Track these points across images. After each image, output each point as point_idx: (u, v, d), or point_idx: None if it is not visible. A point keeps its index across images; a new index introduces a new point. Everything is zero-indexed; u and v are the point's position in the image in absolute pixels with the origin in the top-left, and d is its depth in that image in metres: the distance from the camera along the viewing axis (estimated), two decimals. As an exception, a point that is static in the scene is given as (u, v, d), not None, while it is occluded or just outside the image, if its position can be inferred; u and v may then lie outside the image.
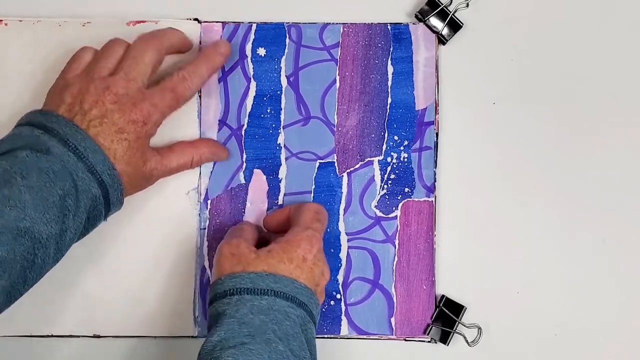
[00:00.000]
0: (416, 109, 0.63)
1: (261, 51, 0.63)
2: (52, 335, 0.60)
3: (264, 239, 0.59)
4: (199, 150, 0.60)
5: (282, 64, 0.63)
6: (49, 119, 0.51)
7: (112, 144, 0.52)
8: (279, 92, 0.63)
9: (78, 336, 0.61)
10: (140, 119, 0.53)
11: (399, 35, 0.63)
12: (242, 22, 0.63)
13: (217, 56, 0.59)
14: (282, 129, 0.63)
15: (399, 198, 0.62)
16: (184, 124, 0.62)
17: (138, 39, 0.57)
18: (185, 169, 0.59)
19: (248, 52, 0.63)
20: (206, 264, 0.62)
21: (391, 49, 0.63)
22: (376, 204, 0.62)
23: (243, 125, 0.63)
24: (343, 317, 0.62)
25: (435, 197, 0.63)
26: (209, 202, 0.62)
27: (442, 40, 0.63)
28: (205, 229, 0.62)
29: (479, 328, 0.61)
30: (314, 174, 0.63)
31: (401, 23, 0.63)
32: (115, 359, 0.62)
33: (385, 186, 0.62)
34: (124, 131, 0.52)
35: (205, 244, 0.62)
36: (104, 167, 0.51)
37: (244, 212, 0.62)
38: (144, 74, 0.55)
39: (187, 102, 0.57)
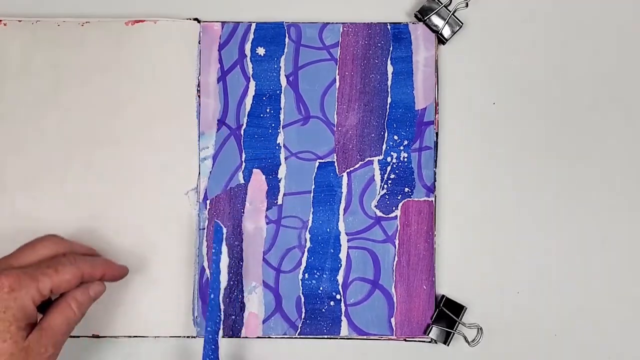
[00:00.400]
0: (416, 108, 0.63)
1: (260, 51, 0.63)
2: (51, 336, 0.60)
3: None
4: (72, 296, 0.52)
5: (282, 64, 0.63)
6: None
7: None
8: (278, 92, 0.63)
9: (78, 336, 0.60)
10: (7, 283, 0.48)
11: (398, 35, 0.63)
12: (242, 22, 0.63)
13: (115, 270, 0.56)
14: (281, 128, 0.63)
15: (399, 198, 0.62)
16: (182, 124, 0.62)
17: (70, 256, 0.53)
18: (77, 321, 0.53)
19: (247, 51, 0.63)
20: (205, 264, 0.62)
21: (391, 48, 0.63)
22: (376, 203, 0.62)
23: (242, 124, 0.63)
24: (343, 318, 0.61)
25: (435, 196, 0.62)
26: (208, 202, 0.62)
27: (441, 40, 0.63)
28: (204, 229, 0.62)
29: (480, 328, 0.61)
30: (314, 174, 0.63)
31: (401, 23, 0.63)
32: (115, 359, 0.62)
33: (385, 186, 0.62)
34: None
35: (205, 244, 0.62)
36: None
37: (243, 212, 0.62)
38: (44, 285, 0.50)
39: (69, 276, 0.51)
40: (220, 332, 0.58)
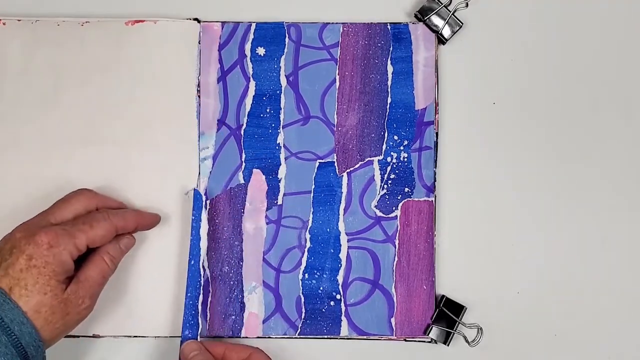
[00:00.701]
0: (416, 108, 0.63)
1: (260, 51, 0.63)
2: (51, 336, 0.60)
3: None
4: (105, 249, 0.56)
5: (282, 64, 0.63)
6: None
7: (20, 274, 0.50)
8: (278, 92, 0.63)
9: (78, 336, 0.60)
10: (46, 240, 0.50)
11: (398, 35, 0.63)
12: (242, 22, 0.63)
13: (147, 219, 0.59)
14: (281, 128, 0.63)
15: (399, 198, 0.62)
16: (182, 124, 0.62)
17: (100, 213, 0.55)
18: (110, 273, 0.56)
19: (247, 51, 0.63)
20: (205, 264, 0.62)
21: (391, 48, 0.63)
22: (376, 203, 0.62)
23: (242, 124, 0.63)
24: (343, 318, 0.61)
25: (435, 196, 0.62)
26: (208, 202, 0.62)
27: (441, 40, 0.63)
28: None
29: (480, 328, 0.61)
30: (314, 174, 0.63)
31: (401, 23, 0.63)
32: (115, 359, 0.61)
33: (385, 186, 0.62)
34: (31, 257, 0.50)
35: (205, 244, 0.62)
36: (30, 339, 0.49)
37: (243, 212, 0.62)
38: (80, 242, 0.53)
39: (103, 232, 0.54)
40: (200, 298, 0.59)
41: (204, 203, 0.60)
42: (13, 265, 0.50)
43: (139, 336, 0.61)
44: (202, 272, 0.60)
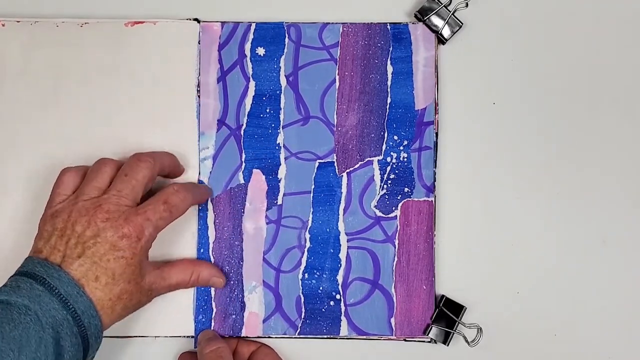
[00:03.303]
0: (416, 108, 0.63)
1: (260, 51, 0.63)
2: (51, 336, 0.60)
3: None
4: (199, 268, 0.59)
5: (282, 64, 0.63)
6: (49, 272, 0.50)
7: (108, 264, 0.51)
8: (278, 92, 0.63)
9: (78, 336, 0.61)
10: (134, 233, 0.52)
11: (398, 35, 0.63)
12: (241, 22, 0.63)
13: (206, 192, 0.61)
14: (281, 128, 0.63)
15: (398, 198, 0.62)
16: (182, 124, 0.62)
17: (131, 158, 0.56)
18: (182, 287, 0.59)
19: (247, 51, 0.63)
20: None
21: (391, 48, 0.63)
22: (376, 203, 0.62)
23: (242, 125, 0.63)
24: (343, 318, 0.61)
25: (435, 196, 0.62)
26: (208, 202, 0.62)
27: (441, 40, 0.63)
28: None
29: (479, 328, 0.61)
30: (314, 174, 0.63)
31: (401, 23, 0.63)
32: (115, 359, 0.62)
33: (385, 186, 0.62)
34: (119, 248, 0.51)
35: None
36: (95, 331, 0.51)
37: (244, 212, 0.62)
38: (136, 192, 0.54)
39: (181, 213, 0.56)
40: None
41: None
42: (99, 254, 0.51)
43: (139, 336, 0.61)
44: (211, 260, 0.61)
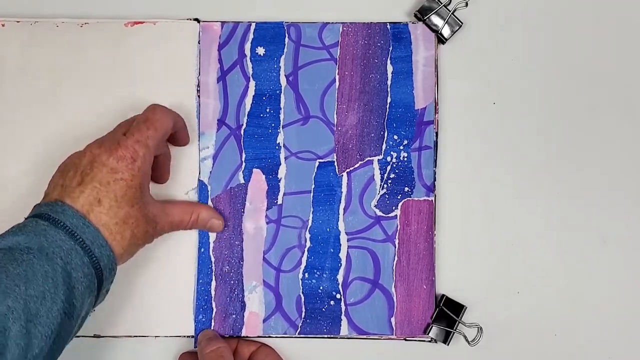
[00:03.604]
0: (416, 108, 0.63)
1: (260, 50, 0.63)
2: (52, 336, 0.61)
3: None
4: (198, 209, 0.60)
5: (282, 64, 0.63)
6: (52, 208, 0.50)
7: (109, 186, 0.51)
8: (278, 92, 0.63)
9: (78, 336, 0.61)
10: (128, 155, 0.52)
11: (398, 35, 0.63)
12: (241, 22, 0.63)
13: (180, 117, 0.59)
14: (281, 128, 0.63)
15: (398, 197, 0.62)
16: (183, 124, 0.62)
17: (159, 107, 0.57)
18: (182, 228, 0.59)
19: (247, 51, 0.63)
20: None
21: (390, 48, 0.63)
22: (376, 203, 0.62)
23: (242, 124, 0.63)
24: (343, 317, 0.62)
25: (435, 196, 0.62)
26: (208, 202, 0.62)
27: (441, 39, 0.63)
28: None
29: (480, 328, 0.61)
30: (314, 174, 0.63)
31: (400, 22, 0.63)
32: (115, 359, 0.62)
33: (385, 185, 0.62)
34: (117, 170, 0.51)
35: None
36: (108, 262, 0.51)
37: (244, 212, 0.62)
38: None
39: (167, 131, 0.55)
40: (213, 283, 0.61)
41: (209, 193, 0.62)
42: (99, 177, 0.51)
43: (139, 336, 0.61)
44: (211, 259, 0.61)
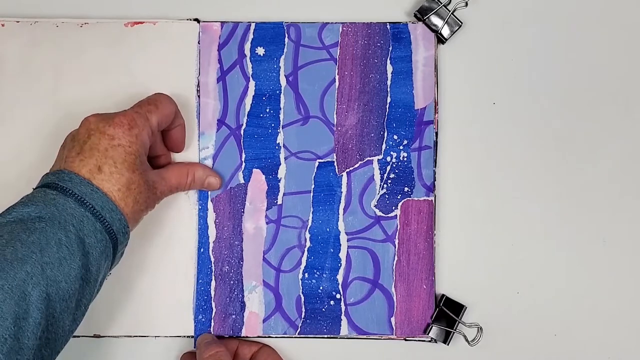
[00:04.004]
0: (415, 108, 0.63)
1: (260, 50, 0.63)
2: (52, 336, 0.61)
3: None
4: (194, 168, 0.60)
5: (281, 64, 0.63)
6: (60, 176, 0.51)
7: (107, 152, 0.51)
8: (278, 92, 0.63)
9: (78, 336, 0.61)
10: (125, 121, 0.52)
11: (398, 35, 0.63)
12: (241, 22, 0.63)
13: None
14: (281, 128, 0.63)
15: (398, 197, 0.62)
16: (182, 124, 0.62)
17: (161, 94, 0.57)
18: (181, 189, 0.59)
19: (247, 51, 0.63)
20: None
21: (390, 48, 0.63)
22: (376, 203, 0.62)
23: (242, 124, 0.63)
24: (343, 317, 0.61)
25: (435, 196, 0.62)
26: (208, 202, 0.62)
27: (441, 39, 0.63)
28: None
29: (480, 328, 0.61)
30: (314, 174, 0.63)
31: (400, 22, 0.63)
32: (115, 359, 0.62)
33: (385, 185, 0.62)
34: (113, 137, 0.51)
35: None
36: (120, 226, 0.51)
37: (243, 212, 0.62)
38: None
39: (169, 112, 0.56)
40: (213, 284, 0.61)
41: (209, 192, 0.62)
42: (97, 145, 0.51)
43: (140, 336, 0.61)
44: (211, 260, 0.61)
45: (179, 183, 0.58)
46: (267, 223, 0.62)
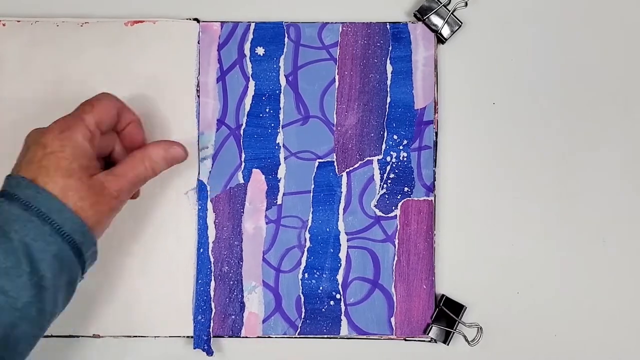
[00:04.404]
0: (415, 108, 0.63)
1: (260, 50, 0.63)
2: (52, 336, 0.60)
3: None
4: (148, 152, 0.55)
5: (281, 63, 0.63)
6: (9, 183, 0.50)
7: (41, 162, 0.50)
8: (277, 92, 0.63)
9: (78, 336, 0.61)
10: (56, 126, 0.51)
11: (398, 35, 0.63)
12: (241, 22, 0.63)
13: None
14: (281, 128, 0.63)
15: (398, 197, 0.62)
16: (182, 124, 0.62)
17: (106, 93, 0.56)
18: (148, 177, 0.55)
19: (247, 51, 0.63)
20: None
21: (390, 48, 0.63)
22: (376, 203, 0.62)
23: (242, 124, 0.63)
24: (343, 317, 0.61)
25: (435, 196, 0.62)
26: (208, 202, 0.62)
27: (441, 39, 0.63)
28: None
29: (480, 328, 0.61)
30: (313, 174, 0.62)
31: (400, 22, 0.63)
32: (115, 359, 0.62)
33: (385, 185, 0.62)
34: (45, 145, 0.50)
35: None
36: (73, 226, 0.49)
37: (243, 212, 0.62)
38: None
39: (109, 110, 0.54)
40: (212, 284, 0.61)
41: (208, 193, 0.62)
42: (32, 157, 0.50)
43: (139, 336, 0.61)
44: (211, 260, 0.61)
45: (138, 174, 0.54)
46: (266, 223, 0.62)
